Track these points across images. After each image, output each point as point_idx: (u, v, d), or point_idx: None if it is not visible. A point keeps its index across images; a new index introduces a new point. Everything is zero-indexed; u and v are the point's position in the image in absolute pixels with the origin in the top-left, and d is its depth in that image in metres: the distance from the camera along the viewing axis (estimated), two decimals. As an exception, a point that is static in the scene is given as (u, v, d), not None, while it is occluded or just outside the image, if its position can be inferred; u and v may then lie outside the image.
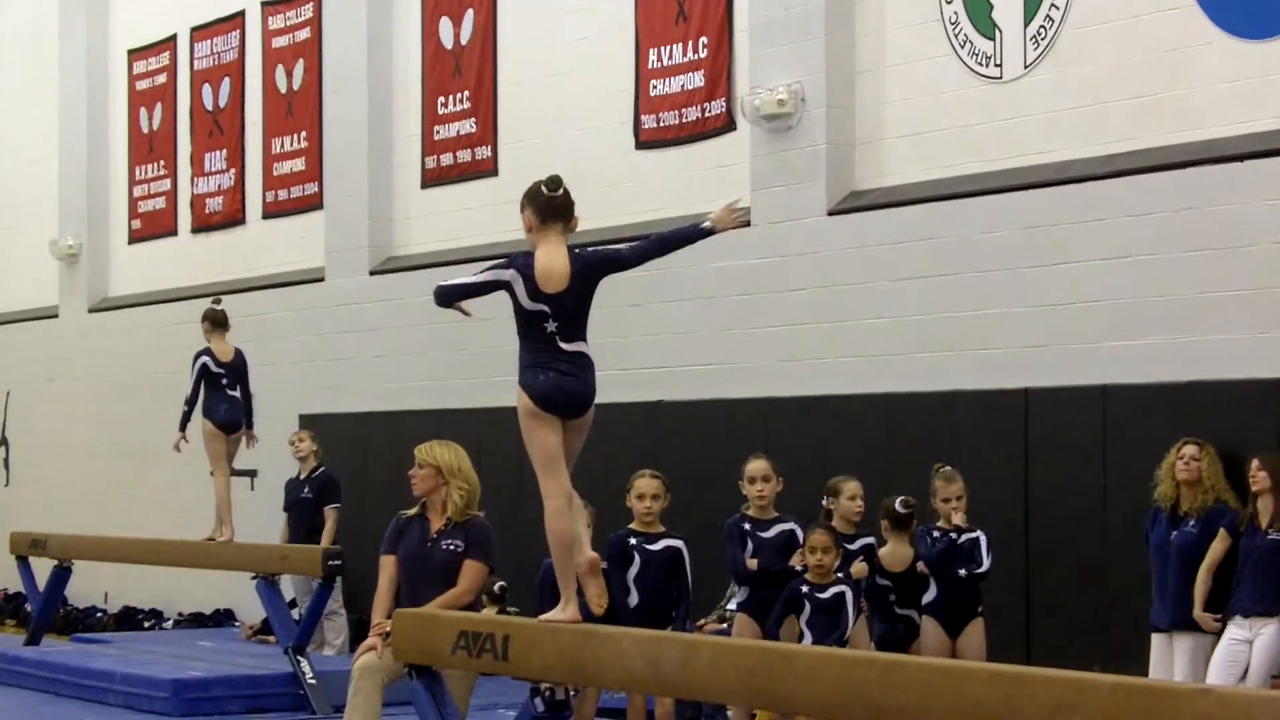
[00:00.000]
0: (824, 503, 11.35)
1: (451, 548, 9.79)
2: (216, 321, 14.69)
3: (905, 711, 6.37)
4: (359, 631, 14.70)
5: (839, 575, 10.65)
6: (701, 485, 13.33)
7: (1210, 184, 11.68)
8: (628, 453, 14.09)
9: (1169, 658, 10.96)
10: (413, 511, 9.99)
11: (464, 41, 17.57)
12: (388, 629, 9.16)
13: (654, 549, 10.66)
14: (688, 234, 8.10)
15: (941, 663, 7.21)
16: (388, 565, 9.86)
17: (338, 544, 15.27)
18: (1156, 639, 11.07)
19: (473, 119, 17.47)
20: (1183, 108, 11.99)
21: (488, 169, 17.27)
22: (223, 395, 14.54)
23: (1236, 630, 10.67)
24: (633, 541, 10.66)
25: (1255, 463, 10.76)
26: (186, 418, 14.54)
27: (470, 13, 17.44)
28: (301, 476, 16.51)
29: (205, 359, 14.51)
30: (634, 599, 10.56)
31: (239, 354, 14.67)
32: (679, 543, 10.71)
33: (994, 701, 5.93)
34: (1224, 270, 11.57)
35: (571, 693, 8.28)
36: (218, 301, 14.97)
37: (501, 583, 13.33)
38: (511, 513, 12.88)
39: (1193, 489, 11.02)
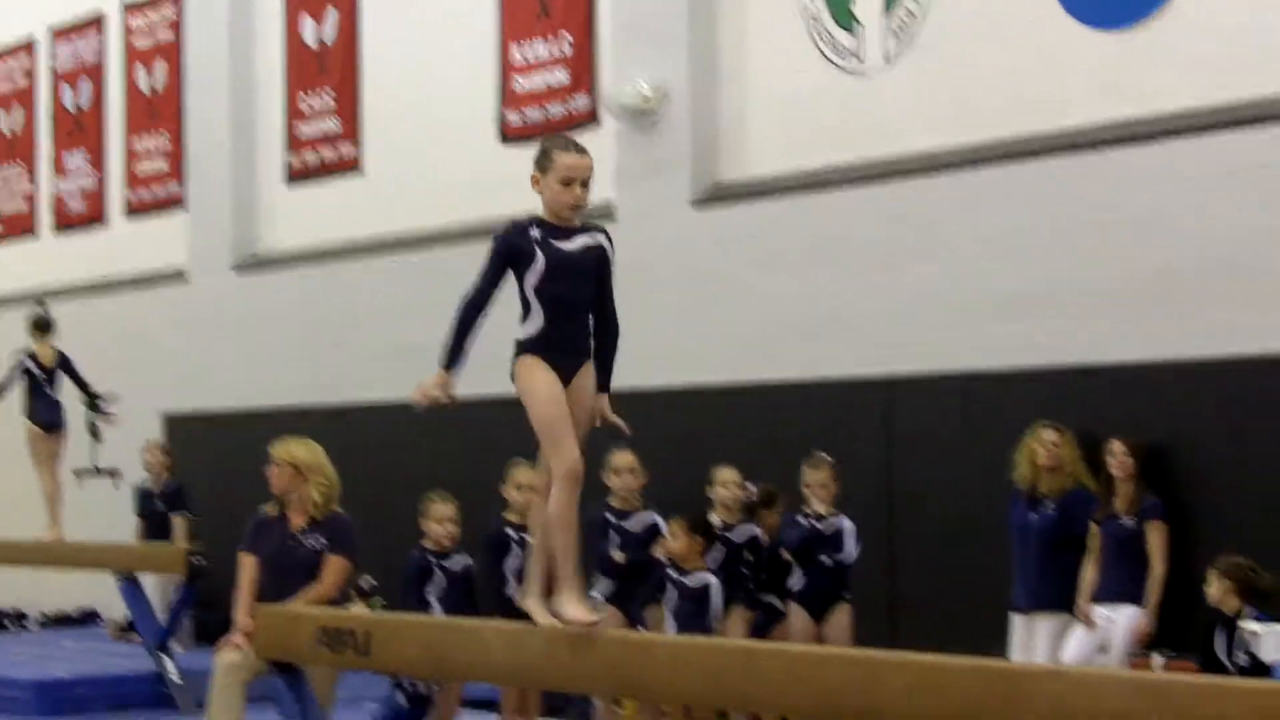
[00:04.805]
0: (708, 493, 11.45)
1: (314, 545, 9.74)
2: (38, 325, 14.92)
3: (768, 698, 6.41)
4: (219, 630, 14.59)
5: (706, 565, 10.67)
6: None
7: (1072, 173, 11.76)
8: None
9: (1030, 639, 11.05)
10: (273, 510, 9.92)
11: (327, 39, 17.46)
12: (250, 627, 9.10)
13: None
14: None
15: (801, 649, 7.23)
16: (248, 563, 9.80)
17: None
18: (1018, 620, 11.15)
19: (337, 116, 17.36)
20: (1047, 98, 12.06)
21: (352, 166, 17.17)
22: (44, 397, 14.86)
23: (1097, 610, 10.76)
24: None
25: (1118, 445, 10.80)
26: None
27: (333, 11, 17.34)
28: (153, 489, 16.62)
29: (27, 361, 14.77)
30: None
31: (61, 355, 14.90)
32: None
33: (853, 685, 5.95)
34: (1085, 259, 11.64)
35: (435, 687, 8.24)
36: (40, 303, 15.07)
37: (370, 579, 13.26)
38: (378, 510, 12.81)
39: (1052, 473, 11.10)
